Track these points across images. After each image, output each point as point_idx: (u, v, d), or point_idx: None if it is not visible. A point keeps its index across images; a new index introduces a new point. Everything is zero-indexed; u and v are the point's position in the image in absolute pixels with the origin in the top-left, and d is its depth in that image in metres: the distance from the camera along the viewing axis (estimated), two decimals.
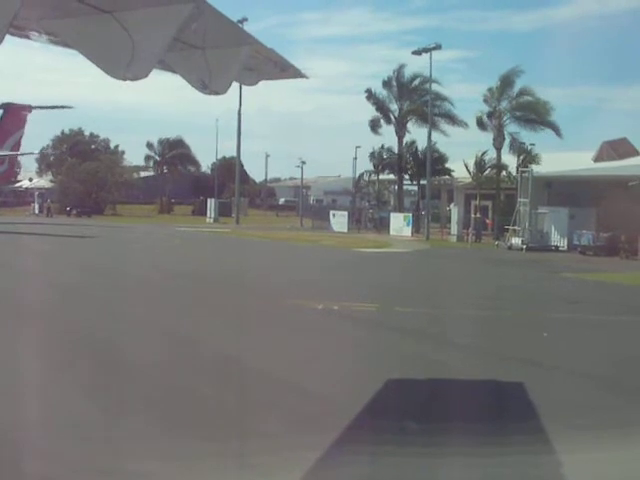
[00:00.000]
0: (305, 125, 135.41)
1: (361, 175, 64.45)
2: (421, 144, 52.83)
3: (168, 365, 9.31)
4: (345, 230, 50.14)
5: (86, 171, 68.45)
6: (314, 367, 9.53)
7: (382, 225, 49.93)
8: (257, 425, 6.70)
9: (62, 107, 48.55)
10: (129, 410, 7.15)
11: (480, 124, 48.63)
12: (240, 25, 8.81)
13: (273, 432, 6.46)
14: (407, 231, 46.73)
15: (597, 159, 43.63)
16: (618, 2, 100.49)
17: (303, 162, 68.44)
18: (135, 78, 4.35)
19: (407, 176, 55.19)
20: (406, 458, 5.69)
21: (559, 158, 45.69)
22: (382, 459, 5.71)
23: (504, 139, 47.79)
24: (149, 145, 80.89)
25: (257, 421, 6.82)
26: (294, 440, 6.24)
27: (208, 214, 62.53)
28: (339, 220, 52.41)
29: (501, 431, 6.40)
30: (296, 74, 5.80)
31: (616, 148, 42.69)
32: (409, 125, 54.26)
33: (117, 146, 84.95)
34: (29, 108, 45.72)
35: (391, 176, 58.08)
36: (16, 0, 3.36)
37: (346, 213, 54.03)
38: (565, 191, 38.50)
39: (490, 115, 47.78)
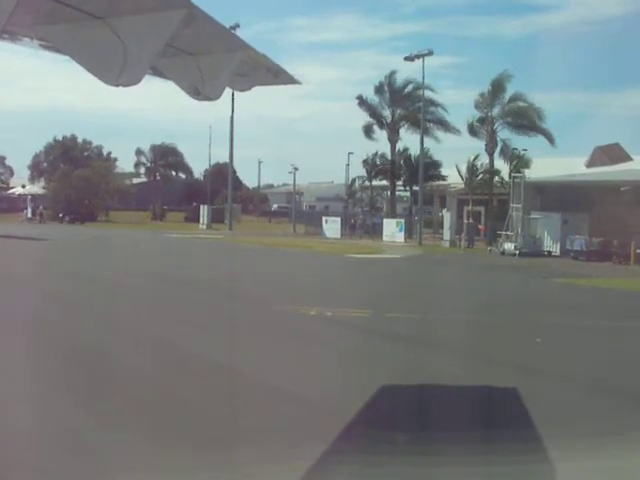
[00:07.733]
0: (297, 131, 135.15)
1: (353, 181, 64.40)
2: (414, 150, 52.98)
3: (157, 373, 9.28)
4: (338, 236, 50.05)
5: (79, 178, 68.25)
6: (307, 373, 9.50)
7: (375, 231, 49.88)
8: (252, 434, 6.67)
9: None
10: (119, 419, 7.11)
11: (471, 130, 48.66)
12: (233, 31, 8.80)
13: (269, 441, 6.42)
14: (400, 237, 46.67)
15: (589, 164, 43.69)
16: (607, 8, 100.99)
17: (296, 168, 68.27)
18: (128, 84, 4.33)
19: (400, 182, 55.21)
20: (399, 467, 5.66)
21: (551, 163, 45.76)
22: (376, 468, 5.67)
23: (496, 145, 47.83)
24: (138, 152, 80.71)
25: (252, 430, 6.79)
26: (290, 449, 6.21)
27: (201, 221, 62.38)
28: (332, 226, 52.31)
29: (494, 438, 6.37)
30: (289, 80, 5.78)
31: (608, 153, 42.74)
32: (402, 131, 54.41)
33: (110, 153, 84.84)
34: None
35: (384, 182, 58.05)
36: (8, 6, 3.34)
37: (339, 219, 53.85)
38: (558, 196, 38.55)
39: (482, 121, 47.77)
